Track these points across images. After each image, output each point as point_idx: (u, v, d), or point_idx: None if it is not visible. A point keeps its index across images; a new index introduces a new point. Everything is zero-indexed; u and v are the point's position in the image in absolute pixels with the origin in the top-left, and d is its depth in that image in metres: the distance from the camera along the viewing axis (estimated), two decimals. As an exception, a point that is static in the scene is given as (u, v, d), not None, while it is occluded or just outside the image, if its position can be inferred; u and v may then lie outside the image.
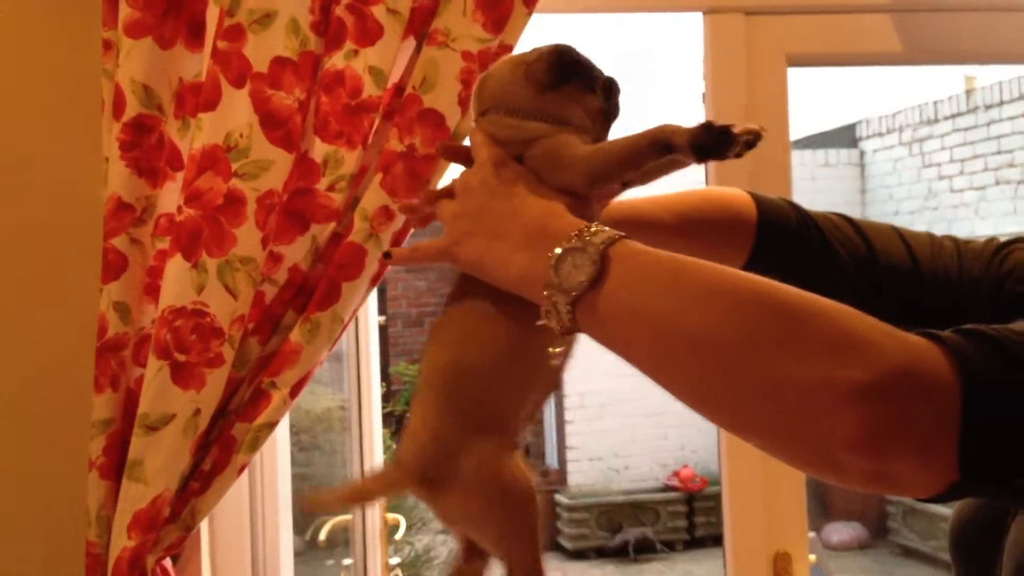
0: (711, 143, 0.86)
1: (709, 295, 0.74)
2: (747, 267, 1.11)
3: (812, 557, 1.81)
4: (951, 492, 0.69)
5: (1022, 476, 0.69)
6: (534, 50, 0.96)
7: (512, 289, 0.86)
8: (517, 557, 0.90)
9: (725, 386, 0.73)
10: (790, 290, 0.73)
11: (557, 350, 0.88)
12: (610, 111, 0.97)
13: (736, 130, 0.86)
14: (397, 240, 1.45)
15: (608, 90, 0.97)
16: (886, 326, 0.70)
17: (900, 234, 1.12)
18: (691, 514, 7.75)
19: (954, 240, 1.11)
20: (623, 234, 0.81)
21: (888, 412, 0.66)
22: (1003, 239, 1.10)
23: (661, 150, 0.87)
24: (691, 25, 1.88)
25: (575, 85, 0.94)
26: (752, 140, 0.88)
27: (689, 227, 1.09)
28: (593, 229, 0.81)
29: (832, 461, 0.68)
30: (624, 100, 0.97)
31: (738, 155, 0.88)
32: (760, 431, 0.73)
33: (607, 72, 0.97)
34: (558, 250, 0.80)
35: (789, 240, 1.10)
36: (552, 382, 0.94)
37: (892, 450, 0.67)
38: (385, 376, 8.76)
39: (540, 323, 0.82)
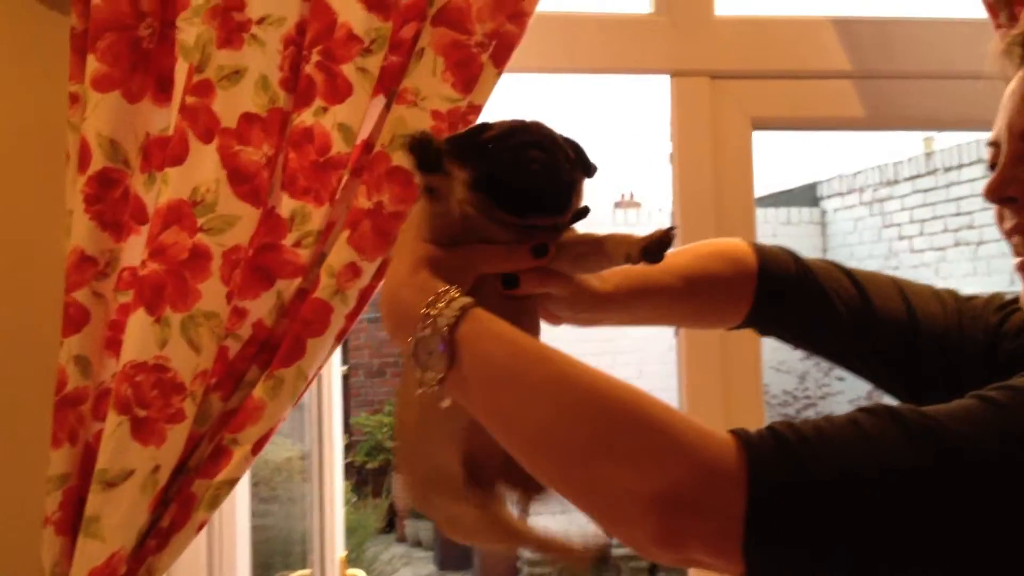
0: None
1: (541, 395, 0.80)
2: (748, 319, 1.12)
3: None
4: None
5: (797, 572, 0.75)
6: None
7: None
8: None
9: (559, 482, 0.81)
10: (611, 391, 0.79)
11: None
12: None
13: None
14: (363, 297, 1.45)
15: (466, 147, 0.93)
16: (696, 431, 0.76)
17: (900, 287, 1.13)
18: (653, 570, 7.69)
19: (955, 296, 1.12)
20: (470, 303, 0.85)
21: (677, 520, 0.74)
22: (1007, 297, 1.11)
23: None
24: (659, 86, 1.90)
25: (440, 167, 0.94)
26: None
27: (695, 288, 1.11)
28: (440, 305, 0.85)
29: (647, 551, 0.77)
30: (594, 157, 0.97)
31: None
32: (596, 521, 0.81)
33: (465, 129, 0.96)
34: (410, 340, 0.86)
35: (788, 292, 1.11)
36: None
37: (685, 548, 0.75)
38: (346, 427, 8.69)
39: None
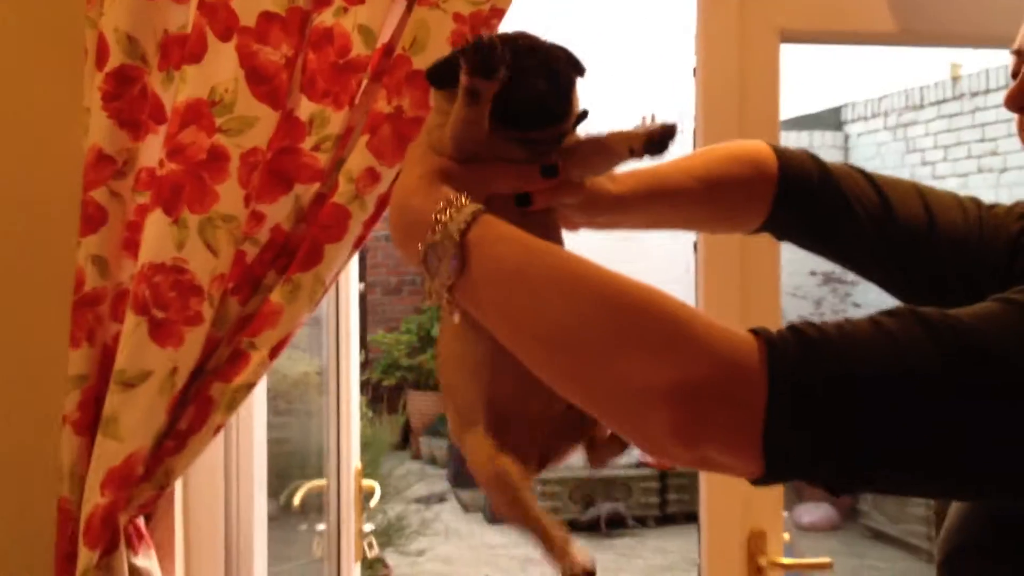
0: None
1: (555, 292, 0.79)
2: (767, 222, 1.11)
3: (786, 536, 1.81)
4: (765, 479, 0.75)
5: (817, 469, 0.75)
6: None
7: None
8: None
9: (572, 380, 0.80)
10: (627, 287, 0.77)
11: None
12: (473, 87, 0.89)
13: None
14: (382, 203, 1.43)
15: (482, 62, 0.89)
16: (716, 326, 0.75)
17: (921, 194, 1.11)
18: (664, 491, 7.77)
19: (978, 204, 1.10)
20: (480, 209, 0.84)
21: (696, 411, 0.73)
22: None
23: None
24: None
25: (453, 81, 0.91)
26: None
27: (714, 191, 1.09)
28: (450, 213, 0.83)
29: (661, 448, 0.76)
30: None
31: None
32: (607, 420, 0.81)
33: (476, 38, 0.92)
34: (421, 246, 0.84)
35: (808, 196, 1.09)
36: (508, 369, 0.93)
37: (702, 443, 0.74)
38: (363, 344, 8.74)
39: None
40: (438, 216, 0.84)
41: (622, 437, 0.94)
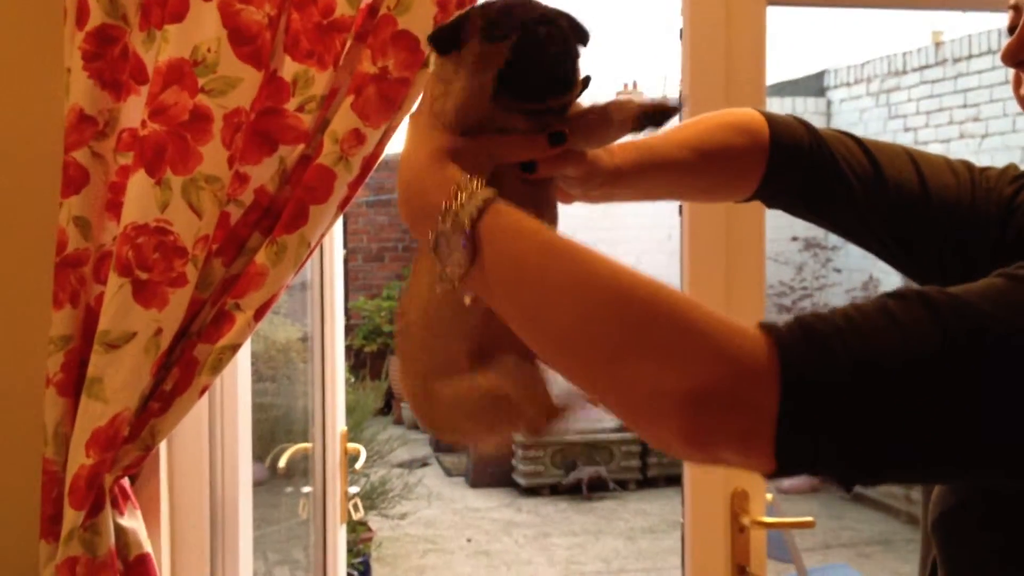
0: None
1: (569, 292, 0.78)
2: (759, 191, 1.11)
3: (769, 496, 1.82)
4: (779, 475, 0.74)
5: (830, 464, 0.74)
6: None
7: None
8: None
9: (583, 380, 0.80)
10: (637, 288, 0.76)
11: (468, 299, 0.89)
12: (483, 52, 0.88)
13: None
14: (367, 165, 1.43)
15: (488, 28, 0.88)
16: (724, 326, 0.74)
17: (913, 158, 1.10)
18: (644, 454, 7.82)
19: (969, 167, 1.10)
20: (492, 196, 0.82)
21: (708, 417, 0.72)
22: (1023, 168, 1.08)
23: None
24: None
25: (457, 45, 0.89)
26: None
27: (707, 161, 1.08)
28: (461, 200, 0.82)
29: (674, 449, 0.75)
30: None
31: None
32: (619, 418, 0.79)
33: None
34: (431, 234, 0.83)
35: (800, 162, 1.09)
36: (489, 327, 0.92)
37: (715, 446, 0.74)
38: (345, 311, 8.73)
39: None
40: (449, 202, 0.83)
41: None
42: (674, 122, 0.98)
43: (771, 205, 1.16)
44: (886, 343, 0.73)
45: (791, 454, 0.72)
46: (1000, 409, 0.72)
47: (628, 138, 1.00)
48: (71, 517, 1.40)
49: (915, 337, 0.72)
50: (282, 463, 2.36)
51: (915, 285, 0.80)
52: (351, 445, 2.32)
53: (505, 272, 0.81)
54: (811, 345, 0.73)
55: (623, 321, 0.76)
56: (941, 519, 0.98)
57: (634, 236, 8.23)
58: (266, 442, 2.71)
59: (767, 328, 0.74)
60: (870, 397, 0.71)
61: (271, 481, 2.67)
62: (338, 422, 2.28)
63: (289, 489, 2.52)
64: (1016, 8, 0.99)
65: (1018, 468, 0.74)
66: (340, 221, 2.15)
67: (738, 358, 0.72)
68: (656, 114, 0.92)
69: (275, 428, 2.87)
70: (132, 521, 1.48)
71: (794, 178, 1.09)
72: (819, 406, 0.71)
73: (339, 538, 2.26)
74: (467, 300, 0.88)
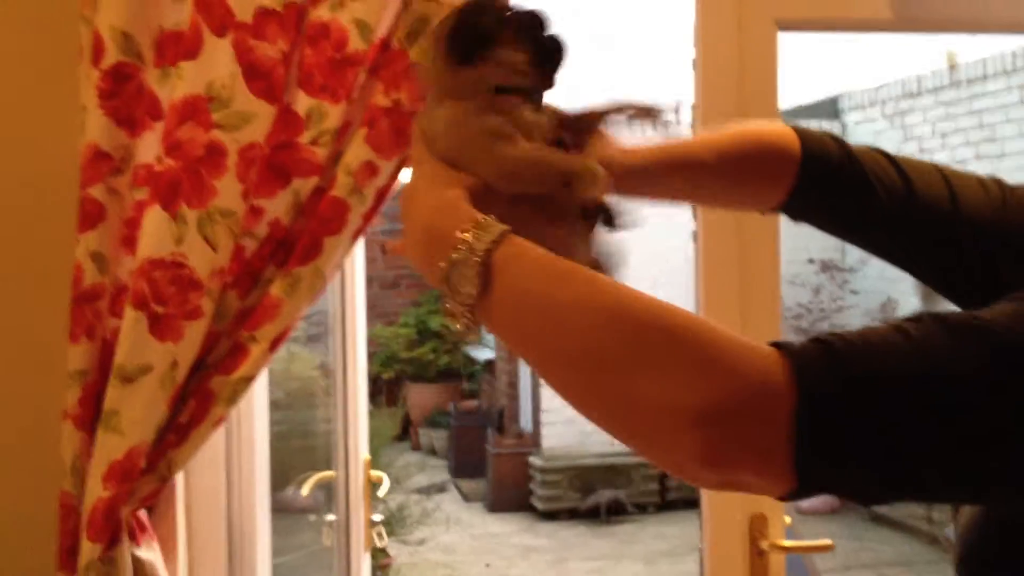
0: (605, 215, 0.92)
1: (580, 312, 0.78)
2: (787, 203, 1.10)
3: (787, 519, 1.82)
4: (796, 495, 0.74)
5: (848, 482, 0.74)
6: (449, 14, 0.92)
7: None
8: None
9: (593, 402, 0.79)
10: (652, 310, 0.76)
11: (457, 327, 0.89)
12: (541, 53, 0.91)
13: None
14: (381, 195, 1.44)
15: (530, 30, 0.90)
16: (739, 346, 0.74)
17: (944, 175, 1.09)
18: (663, 477, 7.79)
19: (1000, 185, 1.08)
20: (507, 229, 0.83)
21: (724, 435, 0.72)
22: None
23: (562, 184, 0.89)
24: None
25: (488, 49, 0.89)
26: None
27: (730, 166, 1.08)
28: (478, 232, 0.83)
29: (686, 472, 0.75)
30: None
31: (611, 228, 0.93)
32: (628, 442, 0.79)
33: (526, 8, 0.92)
34: (443, 264, 0.83)
35: (830, 177, 1.08)
36: None
37: (731, 466, 0.73)
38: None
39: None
40: (464, 236, 0.83)
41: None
42: (673, 123, 1.00)
43: (798, 219, 1.15)
44: (902, 358, 0.72)
45: (809, 471, 0.72)
46: (1019, 425, 0.71)
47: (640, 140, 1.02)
48: (88, 549, 1.41)
49: (931, 354, 0.73)
50: (305, 491, 2.37)
51: (936, 309, 0.80)
52: (374, 472, 2.33)
53: (517, 299, 0.81)
54: (826, 361, 0.72)
55: (634, 340, 0.76)
56: (963, 559, 0.97)
57: (651, 259, 8.21)
58: (288, 470, 2.72)
59: (781, 345, 0.75)
60: (888, 413, 0.71)
61: (293, 508, 2.68)
62: (362, 449, 2.29)
63: (312, 517, 2.52)
64: None
65: None
66: (361, 249, 2.17)
67: (751, 374, 0.72)
68: (649, 117, 0.95)
69: (298, 456, 2.88)
70: (149, 552, 1.48)
71: (824, 192, 1.09)
72: (836, 423, 0.71)
73: (363, 566, 2.27)
74: (473, 337, 0.89)
